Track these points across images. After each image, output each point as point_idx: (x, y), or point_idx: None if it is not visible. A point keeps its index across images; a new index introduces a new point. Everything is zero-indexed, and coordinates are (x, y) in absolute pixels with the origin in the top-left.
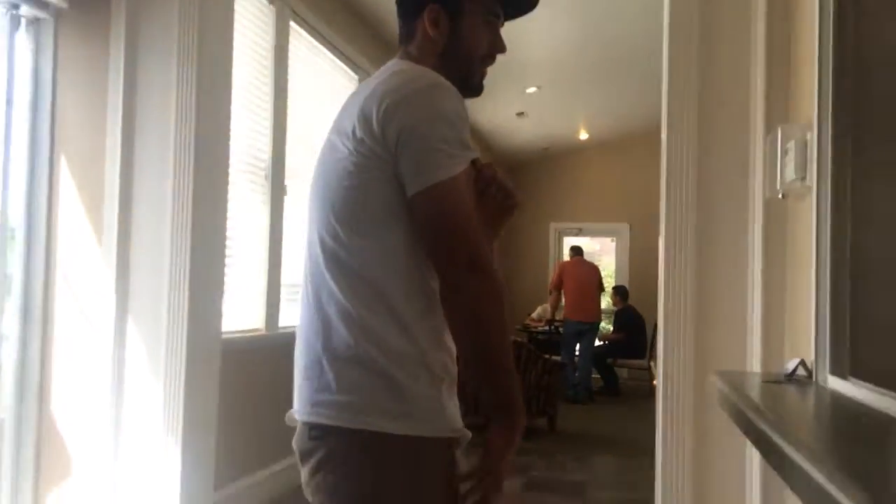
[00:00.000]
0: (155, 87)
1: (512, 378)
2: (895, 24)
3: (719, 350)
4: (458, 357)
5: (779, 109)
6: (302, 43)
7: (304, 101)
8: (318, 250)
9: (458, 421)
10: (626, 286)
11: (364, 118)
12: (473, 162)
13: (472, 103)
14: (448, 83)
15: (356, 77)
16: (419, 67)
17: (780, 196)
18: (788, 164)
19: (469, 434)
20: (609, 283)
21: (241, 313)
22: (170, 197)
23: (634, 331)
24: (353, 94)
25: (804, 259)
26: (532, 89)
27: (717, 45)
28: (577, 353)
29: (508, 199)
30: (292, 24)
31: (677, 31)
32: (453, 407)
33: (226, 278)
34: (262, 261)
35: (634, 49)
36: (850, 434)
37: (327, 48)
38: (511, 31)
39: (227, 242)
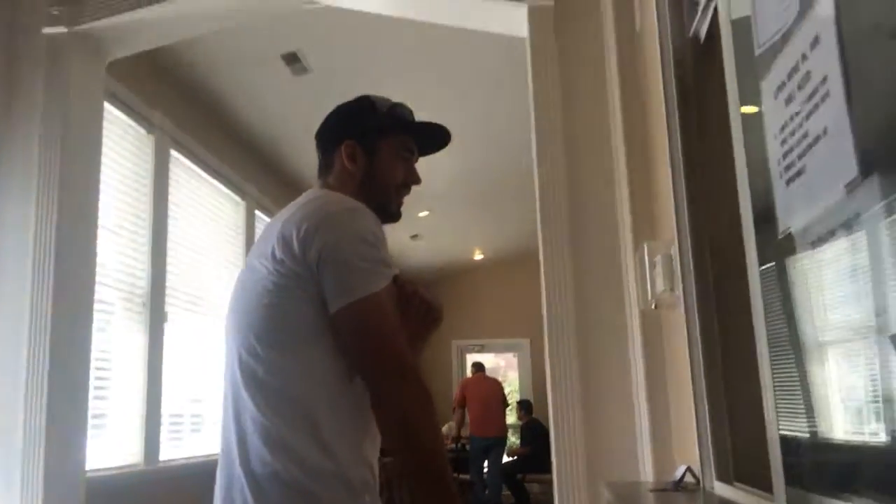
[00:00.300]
0: (11, 217)
1: (449, 483)
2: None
3: (611, 460)
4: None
5: (644, 227)
6: (184, 170)
7: (187, 228)
8: (237, 370)
9: None
10: (531, 400)
11: (284, 240)
12: (395, 279)
13: None
14: (364, 206)
15: (243, 203)
16: (337, 194)
17: (653, 307)
18: (657, 277)
19: None
20: (514, 397)
21: (118, 447)
22: (26, 326)
23: (541, 444)
24: (272, 221)
25: (682, 366)
26: (424, 213)
27: (582, 170)
28: (485, 469)
29: (431, 313)
30: (173, 152)
31: (544, 158)
32: None
33: (99, 411)
34: (139, 390)
35: (516, 175)
36: None
37: (211, 175)
38: None
39: (103, 373)
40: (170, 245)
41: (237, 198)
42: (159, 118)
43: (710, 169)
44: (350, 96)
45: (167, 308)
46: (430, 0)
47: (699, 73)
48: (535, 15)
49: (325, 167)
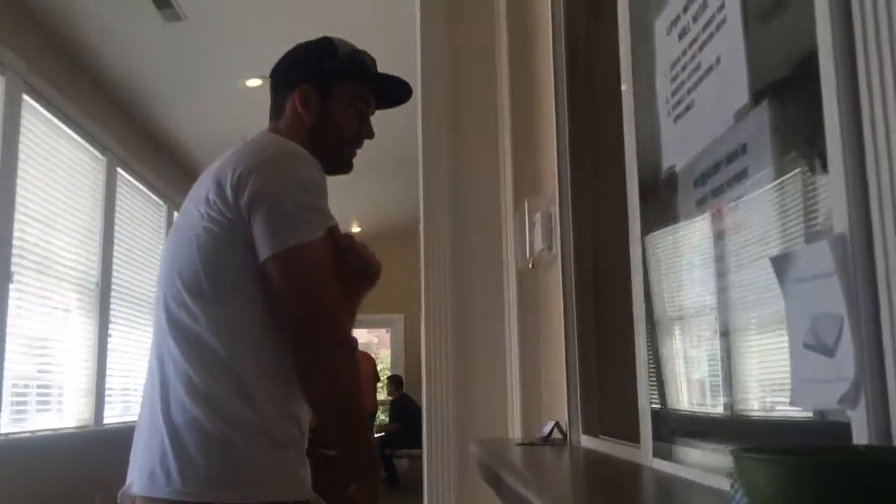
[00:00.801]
0: None
1: (370, 442)
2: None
3: (481, 420)
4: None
5: (527, 184)
6: (37, 118)
7: (39, 182)
8: (163, 316)
9: (308, 486)
10: (402, 376)
11: (218, 183)
12: (331, 230)
13: None
14: (306, 152)
15: (104, 160)
16: (279, 138)
17: (530, 266)
18: (536, 236)
19: (321, 500)
20: (385, 373)
21: None
22: None
23: (411, 420)
24: (211, 165)
25: (556, 327)
26: None
27: (466, 129)
28: None
29: (368, 269)
30: (25, 97)
31: (428, 121)
32: (303, 472)
33: None
34: None
35: (397, 146)
36: (598, 483)
37: (69, 126)
38: None
39: None
40: (20, 200)
41: (97, 153)
42: (11, 58)
43: (596, 125)
44: (228, 48)
45: (13, 269)
46: None
47: (587, 26)
48: None
49: (275, 110)
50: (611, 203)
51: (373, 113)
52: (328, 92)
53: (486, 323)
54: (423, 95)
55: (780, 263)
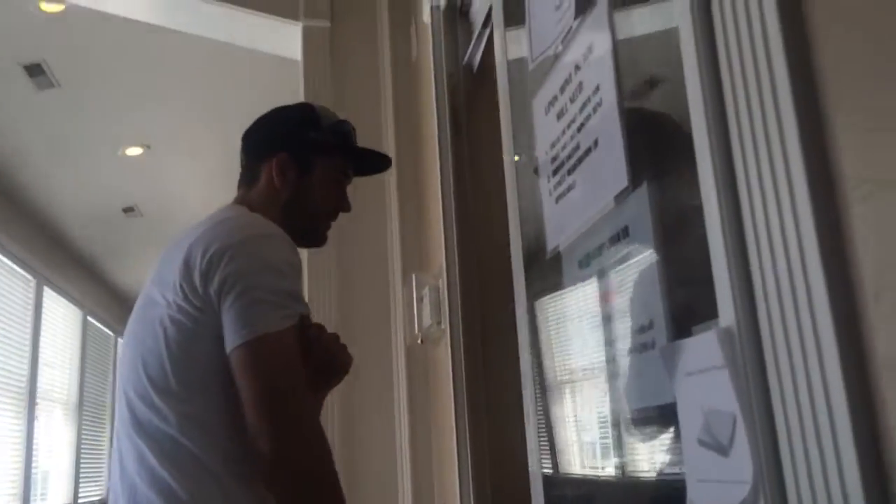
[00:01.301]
0: None
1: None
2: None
3: (370, 501)
4: None
5: (415, 258)
6: None
7: None
8: (126, 413)
9: None
10: None
11: (186, 267)
12: (301, 318)
13: (121, 267)
14: (281, 232)
15: None
16: (250, 214)
17: (419, 341)
18: (425, 310)
19: None
20: None
21: None
22: None
23: None
24: (177, 243)
25: (446, 402)
26: None
27: (353, 199)
28: None
29: (334, 364)
30: None
31: None
32: None
33: None
34: None
35: None
36: None
37: None
38: (168, 190)
39: None
40: None
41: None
42: None
43: (482, 199)
44: (105, 116)
45: None
46: (198, 11)
47: (473, 102)
48: (309, 36)
49: (248, 177)
50: (500, 277)
51: (350, 182)
52: (308, 164)
53: (375, 400)
54: None
55: (669, 354)
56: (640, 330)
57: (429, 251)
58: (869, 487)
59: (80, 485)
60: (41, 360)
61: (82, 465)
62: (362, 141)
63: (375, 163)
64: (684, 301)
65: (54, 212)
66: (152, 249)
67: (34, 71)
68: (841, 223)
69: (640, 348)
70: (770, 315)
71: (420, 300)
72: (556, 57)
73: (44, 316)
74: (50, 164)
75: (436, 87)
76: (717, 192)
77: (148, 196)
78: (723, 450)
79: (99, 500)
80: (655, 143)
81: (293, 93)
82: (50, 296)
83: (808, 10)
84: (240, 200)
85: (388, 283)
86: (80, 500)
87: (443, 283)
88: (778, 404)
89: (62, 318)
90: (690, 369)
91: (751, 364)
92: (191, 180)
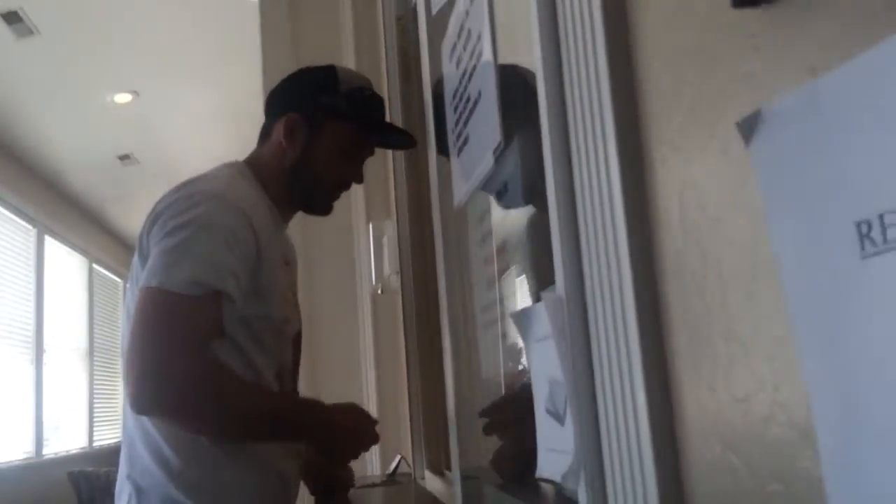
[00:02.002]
0: None
1: (307, 419)
2: None
3: None
4: None
5: (381, 207)
6: None
7: None
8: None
9: None
10: None
11: (144, 226)
12: (220, 296)
13: (123, 214)
14: (232, 202)
15: None
16: (217, 174)
17: (379, 291)
18: (385, 259)
19: None
20: None
21: None
22: None
23: None
24: None
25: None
26: None
27: None
28: None
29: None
30: None
31: None
32: None
33: None
34: None
35: None
36: None
37: None
38: (161, 137)
39: None
40: None
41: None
42: None
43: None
44: (89, 63)
45: None
46: None
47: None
48: None
49: (263, 133)
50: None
51: (371, 154)
52: (318, 127)
53: (341, 350)
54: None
55: (520, 320)
56: (518, 290)
57: (392, 199)
58: (661, 466)
59: (95, 428)
60: (47, 309)
61: (96, 410)
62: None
63: (398, 137)
64: (547, 265)
65: (51, 162)
66: (153, 195)
67: (12, 18)
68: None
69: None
70: (594, 286)
71: (379, 249)
72: (453, 2)
73: (47, 265)
74: (40, 114)
75: (384, 31)
76: (553, 164)
77: (143, 143)
78: (560, 419)
79: (115, 443)
80: (527, 100)
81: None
82: (52, 245)
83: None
84: (249, 157)
85: (352, 229)
86: (95, 443)
87: (394, 232)
88: (598, 375)
89: (66, 266)
90: (538, 336)
91: (577, 334)
92: (183, 126)
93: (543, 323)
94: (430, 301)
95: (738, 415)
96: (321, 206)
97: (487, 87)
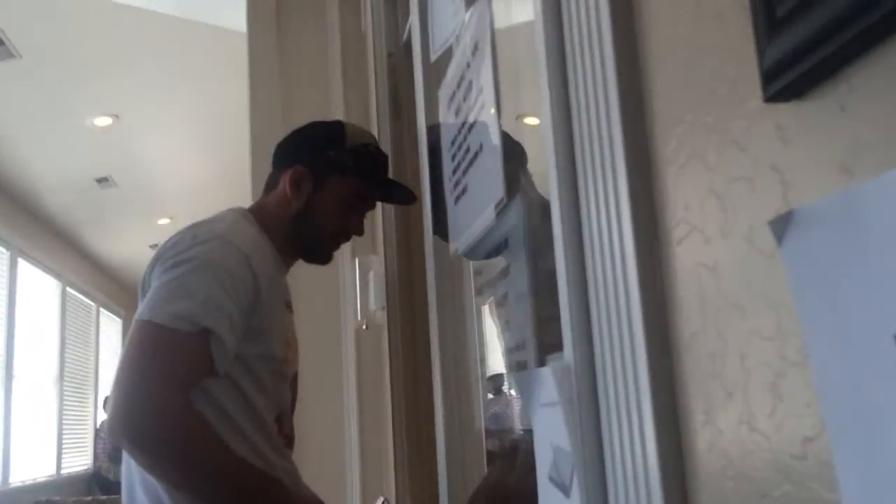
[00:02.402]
0: None
1: (242, 496)
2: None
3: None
4: None
5: (365, 242)
6: None
7: None
8: None
9: None
10: None
11: (148, 265)
12: (208, 333)
13: (99, 237)
14: (234, 242)
15: None
16: (222, 217)
17: (364, 327)
18: (370, 294)
19: None
20: None
21: None
22: None
23: None
24: None
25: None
26: (165, 220)
27: None
28: None
29: None
30: None
31: (259, 162)
32: None
33: None
34: None
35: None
36: None
37: None
38: (140, 160)
39: None
40: None
41: None
42: None
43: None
44: (70, 86)
45: None
46: None
47: (411, 81)
48: (254, 8)
49: (270, 182)
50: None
51: (372, 208)
52: (323, 181)
53: (322, 385)
54: (252, 134)
55: (524, 383)
56: (517, 347)
57: (378, 235)
58: None
59: (64, 455)
60: (18, 333)
61: (65, 437)
62: (303, 120)
63: (400, 194)
64: (551, 326)
65: (26, 183)
66: (129, 219)
67: None
68: (661, 266)
69: (516, 366)
70: (604, 355)
71: (365, 284)
72: (453, 51)
73: (19, 288)
74: (18, 136)
75: (375, 68)
76: (562, 224)
77: (121, 166)
78: (565, 489)
79: (84, 470)
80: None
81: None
82: (25, 267)
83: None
84: (254, 205)
85: (337, 264)
86: (63, 471)
87: (381, 267)
88: (608, 448)
89: (39, 289)
90: (543, 401)
91: (586, 404)
92: (162, 150)
93: (549, 389)
94: (416, 338)
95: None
96: (321, 255)
97: (489, 143)
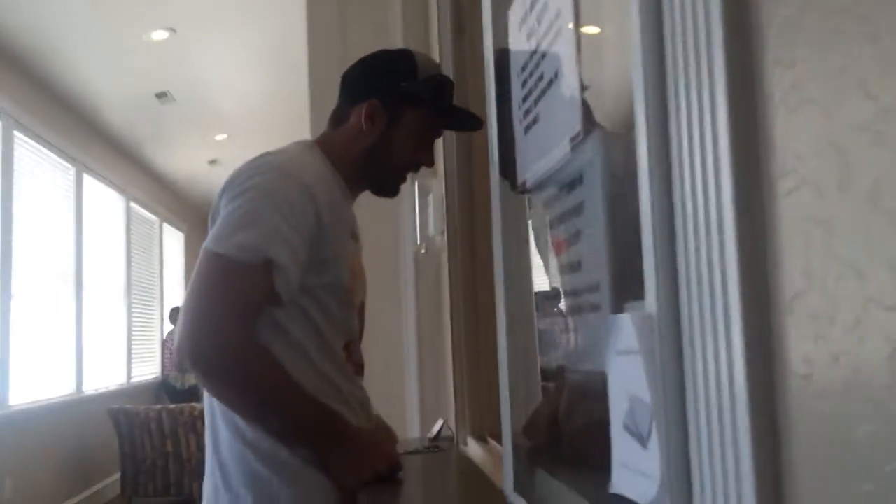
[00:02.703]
0: None
1: (301, 421)
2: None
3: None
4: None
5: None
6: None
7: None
8: None
9: None
10: None
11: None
12: (269, 265)
13: (159, 153)
14: (293, 173)
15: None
16: (286, 149)
17: (422, 251)
18: (429, 219)
19: None
20: None
21: None
22: None
23: None
24: None
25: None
26: (222, 136)
27: None
28: None
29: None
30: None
31: (319, 81)
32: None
33: None
34: None
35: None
36: None
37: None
38: (197, 76)
39: None
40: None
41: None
42: None
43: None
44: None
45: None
46: None
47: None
48: None
49: (338, 115)
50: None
51: (440, 136)
52: (398, 113)
53: (381, 308)
54: (311, 57)
55: (597, 327)
56: (589, 289)
57: (438, 157)
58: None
59: (133, 364)
60: (87, 246)
61: (134, 347)
62: (368, 36)
63: (466, 120)
64: (628, 268)
65: (89, 100)
66: (188, 134)
67: None
68: (764, 218)
69: (589, 308)
70: (691, 307)
71: (424, 207)
72: None
73: (86, 203)
74: (79, 52)
75: None
76: (650, 168)
77: (179, 82)
78: (642, 440)
79: (151, 379)
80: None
81: None
82: (91, 183)
83: None
84: (320, 138)
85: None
86: (133, 379)
87: (441, 191)
88: (691, 402)
89: (105, 204)
90: (619, 348)
91: (668, 356)
92: (220, 65)
93: (628, 337)
94: (476, 263)
95: (864, 453)
96: (392, 188)
97: (566, 71)
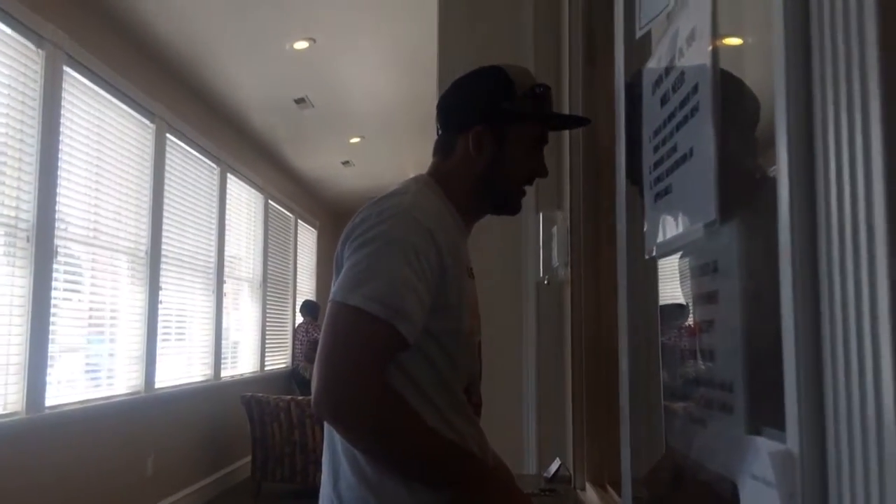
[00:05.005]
0: None
1: (441, 473)
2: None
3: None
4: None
5: (551, 197)
6: (81, 89)
7: (84, 154)
8: None
9: None
10: None
11: (340, 242)
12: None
13: (297, 154)
14: (417, 217)
15: (152, 126)
16: (405, 189)
17: (545, 282)
18: (553, 251)
19: None
20: None
21: None
22: None
23: None
24: None
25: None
26: (356, 139)
27: None
28: None
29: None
30: (67, 69)
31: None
32: None
33: None
34: (19, 334)
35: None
36: None
37: (114, 95)
38: (334, 82)
39: None
40: (65, 175)
41: (146, 121)
42: (51, 31)
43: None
44: (274, 9)
45: (57, 241)
46: None
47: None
48: None
49: (444, 147)
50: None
51: (547, 142)
52: (504, 133)
53: (502, 340)
54: (440, 63)
55: (737, 444)
56: (722, 386)
57: (565, 189)
58: None
59: (266, 354)
60: (228, 242)
61: (267, 337)
62: (489, 51)
63: (573, 120)
64: (765, 377)
65: (234, 105)
66: (324, 137)
67: None
68: None
69: (719, 405)
70: (839, 446)
71: (549, 239)
72: (664, 30)
73: (228, 201)
74: (227, 61)
75: (569, 8)
76: (792, 259)
77: (317, 88)
78: None
79: (282, 368)
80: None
81: None
82: (234, 182)
83: None
84: (433, 170)
85: (520, 218)
86: (266, 368)
87: (567, 223)
88: None
89: (246, 202)
90: (755, 473)
91: (811, 498)
92: (355, 71)
93: (764, 467)
94: (600, 298)
95: None
96: (512, 205)
97: (703, 151)
